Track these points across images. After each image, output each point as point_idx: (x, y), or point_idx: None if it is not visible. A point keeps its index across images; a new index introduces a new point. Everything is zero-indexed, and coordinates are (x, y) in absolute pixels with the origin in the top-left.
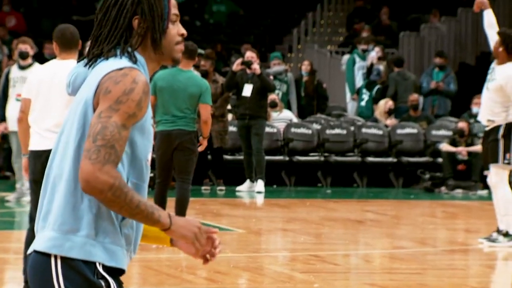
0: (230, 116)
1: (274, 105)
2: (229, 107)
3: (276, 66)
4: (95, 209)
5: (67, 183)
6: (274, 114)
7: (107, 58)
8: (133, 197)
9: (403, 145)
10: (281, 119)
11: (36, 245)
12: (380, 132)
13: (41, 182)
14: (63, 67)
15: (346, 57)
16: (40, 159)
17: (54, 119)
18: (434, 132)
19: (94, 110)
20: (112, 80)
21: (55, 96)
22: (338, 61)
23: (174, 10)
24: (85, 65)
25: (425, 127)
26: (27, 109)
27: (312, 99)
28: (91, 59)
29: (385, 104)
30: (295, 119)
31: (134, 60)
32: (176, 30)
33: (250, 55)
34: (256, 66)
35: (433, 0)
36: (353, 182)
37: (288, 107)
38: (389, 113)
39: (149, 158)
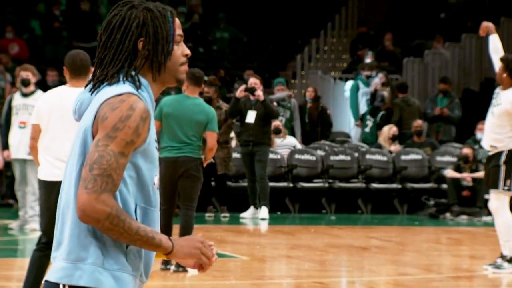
0: (233, 143)
1: (277, 131)
2: (232, 133)
3: (280, 92)
4: (101, 236)
5: (73, 212)
6: (277, 141)
7: (110, 84)
8: (131, 224)
9: (407, 171)
10: (285, 145)
11: (48, 276)
12: (385, 158)
13: (55, 211)
14: (74, 94)
15: (349, 83)
16: (53, 190)
17: (65, 148)
18: (438, 158)
19: (93, 137)
20: (109, 107)
21: (66, 124)
22: (341, 87)
23: (179, 31)
24: (90, 91)
25: (430, 153)
26: (37, 135)
27: (316, 125)
28: (95, 84)
29: (389, 130)
30: (299, 146)
31: (138, 85)
32: (181, 51)
33: (253, 81)
34: (259, 93)
35: (437, 26)
36: (357, 208)
37: (292, 134)
38: (393, 139)
39: (156, 182)
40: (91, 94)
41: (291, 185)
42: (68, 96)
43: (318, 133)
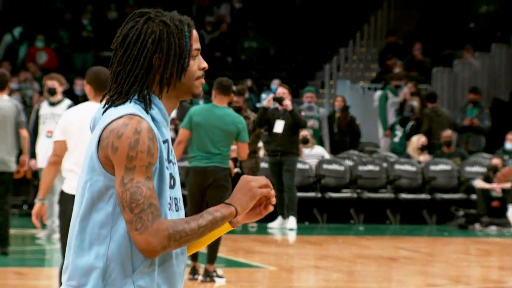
0: (261, 153)
1: (305, 141)
2: (260, 143)
3: (308, 100)
4: (103, 263)
5: (76, 237)
6: (305, 150)
7: (116, 105)
8: (191, 225)
9: (436, 181)
10: (313, 155)
11: None
12: (413, 169)
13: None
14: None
15: (378, 93)
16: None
17: None
18: (468, 169)
19: (101, 163)
20: (114, 134)
21: None
22: (370, 97)
23: (196, 45)
24: (103, 108)
25: (459, 164)
26: (62, 152)
27: (345, 135)
28: (108, 102)
29: (418, 140)
30: (327, 155)
31: (147, 103)
32: (197, 64)
33: (281, 91)
34: (287, 102)
35: (467, 35)
36: (386, 219)
37: (320, 143)
38: (422, 149)
39: (169, 201)
40: (102, 113)
41: (319, 195)
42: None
43: (347, 143)
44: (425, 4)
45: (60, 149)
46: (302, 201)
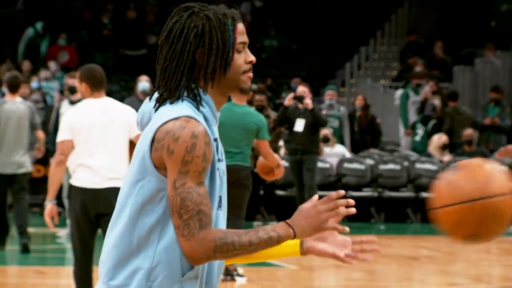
0: (282, 151)
1: (326, 140)
2: (281, 142)
3: (329, 98)
4: (149, 264)
5: (121, 237)
6: (326, 149)
7: (170, 103)
8: (242, 240)
9: None
10: (334, 154)
11: None
12: (435, 168)
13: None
14: (108, 105)
15: (399, 91)
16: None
17: (106, 160)
18: None
19: (154, 164)
20: (170, 136)
21: (110, 135)
22: (391, 95)
23: (241, 38)
24: (154, 107)
25: None
26: (69, 152)
27: (366, 134)
28: (159, 100)
29: (439, 139)
30: (348, 154)
31: (198, 100)
32: (243, 58)
33: (302, 89)
34: (308, 101)
35: (488, 34)
36: (406, 217)
37: (341, 142)
38: (443, 148)
39: (224, 202)
40: (155, 111)
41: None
42: (108, 108)
43: (368, 142)
44: (445, 2)
45: (67, 149)
46: None
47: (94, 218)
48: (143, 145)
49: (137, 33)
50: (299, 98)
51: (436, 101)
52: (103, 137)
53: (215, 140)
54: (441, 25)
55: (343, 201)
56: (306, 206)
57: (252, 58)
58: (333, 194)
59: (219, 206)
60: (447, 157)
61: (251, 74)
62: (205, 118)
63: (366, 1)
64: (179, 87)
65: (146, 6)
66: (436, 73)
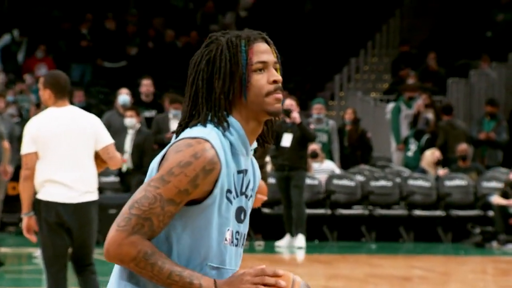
0: (269, 167)
1: (314, 155)
2: (267, 158)
3: (317, 112)
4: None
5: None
6: (315, 165)
7: (190, 126)
8: (163, 268)
9: (452, 197)
10: (323, 170)
11: None
12: (428, 184)
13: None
14: (74, 114)
15: (391, 105)
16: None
17: (75, 171)
18: (484, 184)
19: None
20: (174, 148)
21: (79, 147)
22: (382, 109)
23: (258, 58)
24: (175, 132)
25: (475, 179)
26: (34, 164)
27: (356, 149)
28: (180, 125)
29: (432, 155)
30: (337, 170)
31: (225, 125)
32: (266, 78)
33: (289, 103)
34: (296, 115)
35: (483, 45)
36: (399, 236)
37: (330, 158)
38: (437, 164)
39: (229, 237)
40: (175, 138)
41: (329, 211)
42: (74, 117)
43: (358, 157)
44: (439, 11)
45: (32, 162)
46: (311, 218)
47: (69, 232)
48: (154, 163)
49: (117, 44)
50: (286, 112)
51: (430, 115)
52: (73, 149)
53: (241, 172)
54: (434, 36)
55: (272, 280)
56: (238, 272)
57: (276, 77)
58: (269, 269)
59: (236, 243)
60: (444, 172)
61: (278, 96)
62: (232, 145)
63: (357, 10)
64: (201, 113)
65: (126, 16)
66: (430, 85)
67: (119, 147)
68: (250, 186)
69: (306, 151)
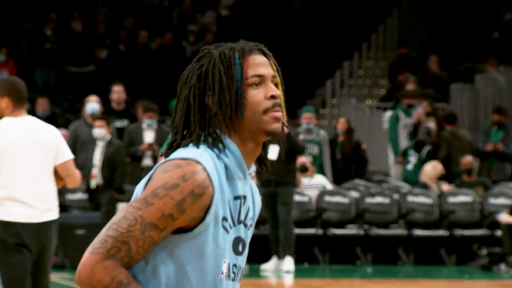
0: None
1: (304, 169)
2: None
3: (307, 121)
4: None
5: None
6: (304, 180)
7: (183, 146)
8: None
9: (455, 215)
10: (313, 185)
11: None
12: (429, 201)
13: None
14: (33, 125)
15: (388, 113)
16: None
17: (35, 188)
18: (492, 201)
19: None
20: (162, 169)
21: (36, 161)
22: (379, 117)
23: (254, 71)
24: (164, 153)
25: (482, 195)
26: None
27: (349, 162)
28: (170, 146)
29: (434, 168)
30: (329, 186)
31: (220, 147)
32: (263, 94)
33: None
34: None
35: (490, 46)
36: (397, 259)
37: (321, 172)
38: (440, 178)
39: (225, 270)
40: (165, 157)
41: (320, 231)
42: (33, 128)
43: (352, 171)
44: (441, 10)
45: None
46: (301, 239)
47: (31, 252)
48: (139, 185)
49: (85, 46)
50: None
51: (431, 124)
52: (31, 163)
53: (238, 198)
54: (436, 36)
55: None
56: None
57: (274, 92)
58: None
59: (233, 278)
60: (449, 187)
61: (276, 114)
62: (227, 169)
63: (350, 9)
64: (194, 133)
65: (95, 16)
66: (431, 91)
67: (87, 160)
68: (250, 215)
69: (294, 165)
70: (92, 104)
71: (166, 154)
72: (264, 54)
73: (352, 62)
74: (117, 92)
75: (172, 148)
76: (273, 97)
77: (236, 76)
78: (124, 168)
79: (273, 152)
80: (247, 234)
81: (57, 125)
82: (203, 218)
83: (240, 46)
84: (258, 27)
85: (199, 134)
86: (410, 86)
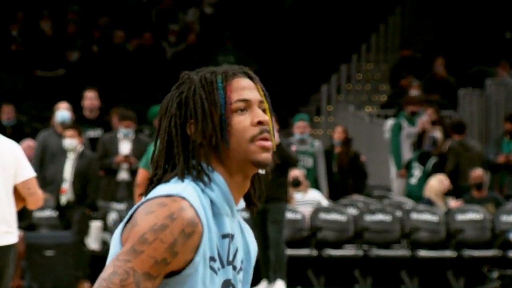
0: None
1: (297, 183)
2: None
3: (300, 130)
4: None
5: None
6: (297, 196)
7: (164, 181)
8: None
9: (464, 234)
10: (307, 201)
11: None
12: (435, 218)
13: None
14: None
15: (390, 121)
16: None
17: None
18: (504, 218)
19: (121, 243)
20: (144, 209)
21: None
22: (380, 126)
23: (239, 95)
24: (144, 195)
25: (493, 212)
26: None
27: (347, 176)
28: (151, 182)
29: (440, 183)
30: (324, 202)
31: (206, 180)
32: (249, 120)
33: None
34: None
35: (501, 48)
36: (400, 282)
37: (316, 186)
38: (447, 193)
39: None
40: (145, 197)
41: (315, 252)
42: None
43: (350, 186)
44: (448, 8)
45: None
46: (293, 260)
47: None
48: (115, 233)
49: (54, 48)
50: None
51: (437, 134)
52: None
53: (226, 236)
54: (442, 37)
55: None
56: None
57: (262, 117)
58: None
59: None
60: (456, 203)
61: (264, 143)
62: (213, 204)
63: (349, 7)
64: (177, 166)
65: (66, 14)
66: (437, 97)
67: (57, 174)
68: (239, 257)
69: (286, 179)
70: (62, 112)
71: (146, 192)
72: (250, 78)
73: (350, 65)
74: (90, 99)
75: (152, 183)
76: (260, 123)
77: (219, 102)
78: (97, 182)
79: None
80: (236, 278)
81: (24, 135)
82: (192, 259)
83: (222, 69)
84: (246, 27)
85: (183, 167)
86: (414, 92)
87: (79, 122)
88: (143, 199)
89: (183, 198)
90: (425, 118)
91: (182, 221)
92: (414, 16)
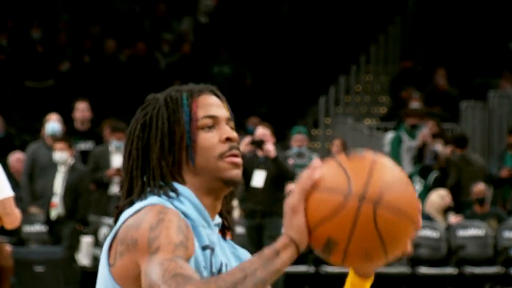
0: (236, 213)
1: None
2: (235, 201)
3: (298, 144)
4: None
5: None
6: None
7: (129, 206)
8: (234, 276)
9: (465, 251)
10: None
11: None
12: (436, 235)
13: None
14: None
15: (389, 134)
16: None
17: None
18: (506, 234)
19: (113, 278)
20: (133, 227)
21: None
22: (379, 139)
23: (205, 111)
24: (113, 221)
25: (495, 228)
26: None
27: None
28: (118, 208)
29: (442, 199)
30: None
31: (171, 193)
32: (217, 137)
33: (262, 132)
34: (270, 147)
35: (505, 59)
36: None
37: None
38: (448, 209)
39: None
40: (114, 222)
41: (312, 269)
42: None
43: None
44: (449, 18)
45: None
46: (290, 277)
47: None
48: (102, 262)
49: (45, 58)
50: (258, 143)
51: (438, 147)
52: None
53: (206, 248)
54: (443, 48)
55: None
56: (290, 207)
57: (230, 134)
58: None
59: None
60: (456, 219)
61: (234, 159)
62: (185, 216)
63: (348, 16)
64: (142, 187)
65: (56, 23)
66: (438, 110)
67: (47, 188)
68: (217, 266)
69: (283, 193)
70: (53, 124)
71: (115, 220)
72: (217, 96)
73: (348, 77)
74: (81, 110)
75: (118, 209)
76: (229, 139)
77: (184, 119)
78: (88, 196)
79: (259, 178)
80: None
81: (13, 147)
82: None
83: (188, 87)
84: (242, 36)
85: (139, 191)
86: (415, 104)
87: (70, 134)
88: (118, 224)
89: (160, 203)
90: (426, 131)
91: (173, 211)
92: (414, 26)
